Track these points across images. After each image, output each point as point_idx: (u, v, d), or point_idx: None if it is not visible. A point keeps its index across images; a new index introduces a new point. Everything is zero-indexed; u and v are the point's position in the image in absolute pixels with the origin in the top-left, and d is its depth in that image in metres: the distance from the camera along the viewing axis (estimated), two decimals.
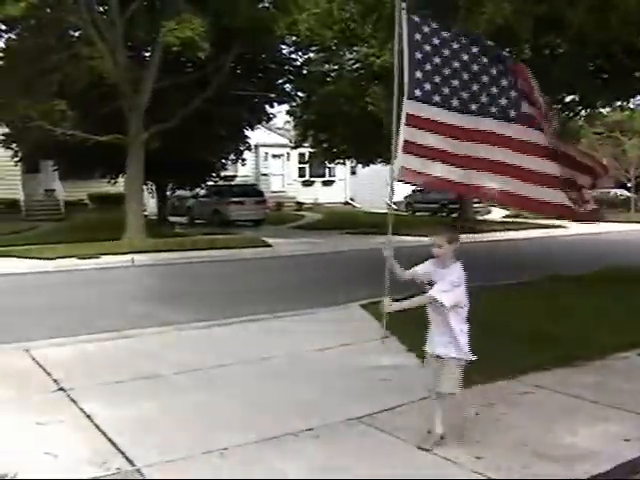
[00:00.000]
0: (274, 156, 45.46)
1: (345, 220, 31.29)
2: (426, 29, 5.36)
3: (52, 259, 17.90)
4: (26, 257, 18.29)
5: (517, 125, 5.37)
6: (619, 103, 20.64)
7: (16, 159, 28.93)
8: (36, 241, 21.53)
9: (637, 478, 4.88)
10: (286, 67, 28.25)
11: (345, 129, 27.88)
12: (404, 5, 5.34)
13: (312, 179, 46.95)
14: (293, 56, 28.49)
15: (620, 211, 36.50)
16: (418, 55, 5.32)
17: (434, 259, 5.15)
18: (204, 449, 5.14)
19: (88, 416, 5.91)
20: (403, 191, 37.10)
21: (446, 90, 5.35)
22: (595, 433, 5.48)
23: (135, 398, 6.41)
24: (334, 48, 26.99)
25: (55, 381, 6.97)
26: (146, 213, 27.31)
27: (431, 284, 5.10)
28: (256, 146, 40.43)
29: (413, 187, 33.60)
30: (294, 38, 26.27)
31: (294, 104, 30.60)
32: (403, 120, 5.24)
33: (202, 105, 23.14)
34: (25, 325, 10.16)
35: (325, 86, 27.46)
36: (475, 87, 5.39)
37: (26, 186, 33.75)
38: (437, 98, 5.31)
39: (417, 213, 39.52)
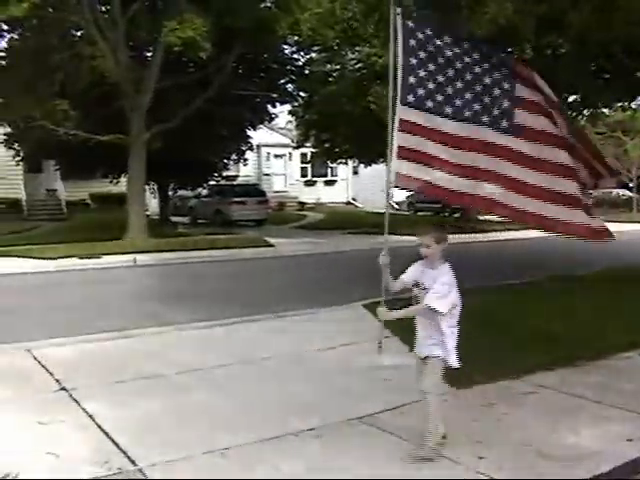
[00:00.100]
0: (276, 156, 45.45)
1: (347, 220, 31.28)
2: (421, 35, 5.32)
3: (54, 259, 17.90)
4: (28, 257, 18.28)
5: (510, 136, 5.31)
6: (621, 103, 20.60)
7: (18, 159, 28.93)
8: (38, 241, 21.52)
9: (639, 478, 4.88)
10: (288, 67, 28.23)
11: (347, 129, 27.88)
12: (399, 10, 5.30)
13: (314, 179, 46.93)
14: (295, 56, 28.49)
15: (622, 211, 36.50)
16: (412, 61, 5.28)
17: (422, 260, 5.07)
18: (205, 449, 5.14)
19: (90, 416, 5.92)
20: (405, 191, 37.03)
21: (439, 97, 5.31)
22: (598, 433, 5.48)
23: (137, 398, 6.41)
24: (336, 48, 26.98)
25: (57, 381, 6.97)
26: (148, 213, 27.29)
27: (418, 285, 5.00)
28: (258, 146, 40.39)
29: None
30: (296, 38, 26.26)
31: (296, 104, 30.60)
32: (396, 126, 5.20)
33: (204, 105, 23.14)
34: (27, 325, 10.18)
35: (327, 86, 27.46)
36: (468, 96, 5.34)
37: (28, 186, 33.74)
38: (430, 104, 5.28)
39: (419, 213, 39.49)
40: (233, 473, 4.77)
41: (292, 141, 39.32)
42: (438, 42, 5.36)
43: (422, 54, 5.30)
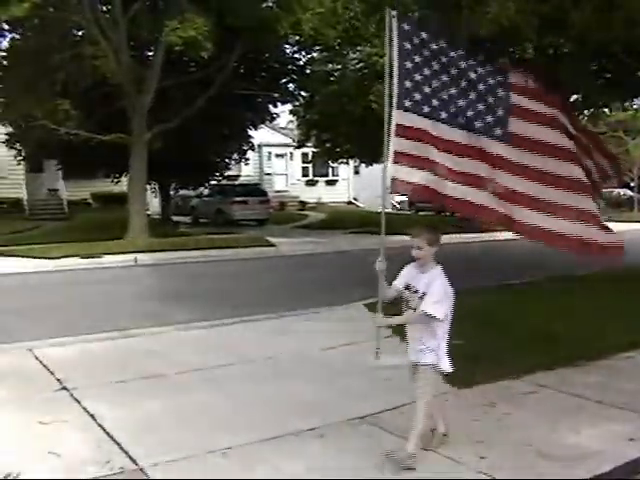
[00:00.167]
0: (277, 156, 45.45)
1: (348, 219, 31.27)
2: (416, 39, 5.26)
3: (55, 259, 17.92)
4: (29, 257, 18.30)
5: (503, 144, 5.25)
6: (623, 102, 20.62)
7: (19, 158, 28.97)
8: (39, 240, 21.55)
9: None
10: (289, 66, 28.23)
11: (348, 128, 27.84)
12: (394, 13, 5.24)
13: (315, 179, 46.93)
14: (296, 55, 28.44)
15: (623, 210, 36.51)
16: (408, 64, 5.22)
17: (413, 263, 4.97)
18: (207, 449, 5.14)
19: (91, 415, 5.92)
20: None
21: (436, 102, 5.25)
22: (599, 433, 5.48)
23: (138, 398, 6.41)
24: (337, 48, 26.95)
25: (58, 380, 6.98)
26: (149, 213, 27.33)
27: (409, 288, 4.91)
28: (259, 146, 40.40)
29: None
30: (297, 37, 26.21)
31: (297, 103, 30.60)
32: (393, 131, 5.14)
33: (205, 105, 23.15)
34: (27, 325, 10.18)
35: (328, 85, 27.43)
36: (462, 102, 5.29)
37: (29, 185, 33.76)
38: (427, 109, 5.22)
39: (420, 212, 39.48)
40: (234, 473, 4.77)
41: (293, 141, 39.29)
42: (434, 46, 5.30)
43: (418, 58, 5.24)
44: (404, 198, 40.99)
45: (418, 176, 5.14)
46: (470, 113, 5.28)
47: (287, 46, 27.27)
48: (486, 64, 5.44)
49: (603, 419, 5.78)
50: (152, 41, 22.28)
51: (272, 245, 21.97)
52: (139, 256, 18.84)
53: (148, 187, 26.36)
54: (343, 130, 28.56)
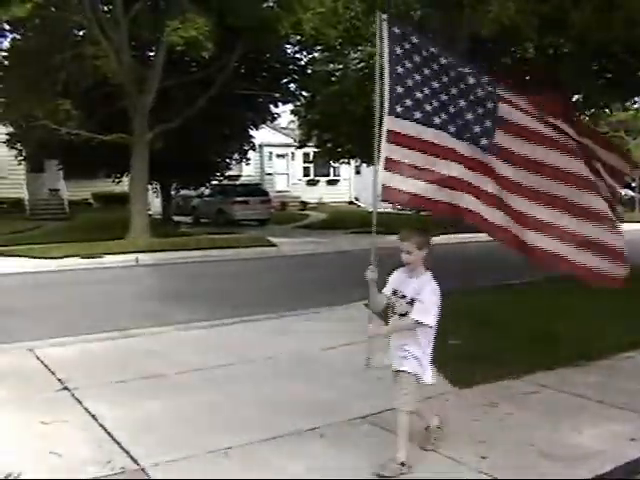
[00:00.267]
0: (278, 156, 45.46)
1: (349, 219, 31.22)
2: (407, 45, 5.16)
3: (56, 258, 17.93)
4: (30, 256, 18.30)
5: (488, 155, 5.12)
6: (624, 102, 20.61)
7: (20, 158, 28.99)
8: (40, 240, 21.56)
9: None
10: (290, 66, 28.23)
11: (349, 128, 27.83)
12: (385, 16, 5.15)
13: (317, 178, 46.92)
14: (297, 55, 28.45)
15: (625, 211, 36.47)
16: (399, 69, 5.12)
17: (402, 267, 4.86)
18: (207, 448, 5.14)
19: (92, 415, 5.92)
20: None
21: (428, 107, 5.14)
22: (600, 433, 5.48)
23: (139, 398, 6.42)
24: (338, 47, 26.94)
25: (59, 380, 6.98)
26: (150, 212, 27.34)
27: (396, 293, 4.81)
28: (260, 146, 40.42)
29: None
30: (298, 37, 26.20)
31: (298, 103, 30.59)
32: (384, 137, 5.02)
33: (206, 105, 23.16)
34: (29, 325, 10.19)
35: (329, 85, 27.42)
36: (452, 110, 5.19)
37: (30, 185, 33.79)
38: (418, 115, 5.11)
39: (422, 212, 39.38)
40: (235, 473, 4.77)
41: (294, 141, 39.31)
42: (425, 52, 5.20)
43: (409, 63, 5.14)
44: None
45: (409, 184, 5.03)
46: (459, 122, 5.18)
47: (288, 46, 27.26)
48: (477, 74, 5.31)
49: (604, 419, 5.77)
50: (153, 41, 22.31)
51: (273, 245, 21.97)
52: (140, 256, 18.84)
53: (149, 187, 26.38)
54: (344, 130, 28.53)
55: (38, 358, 7.87)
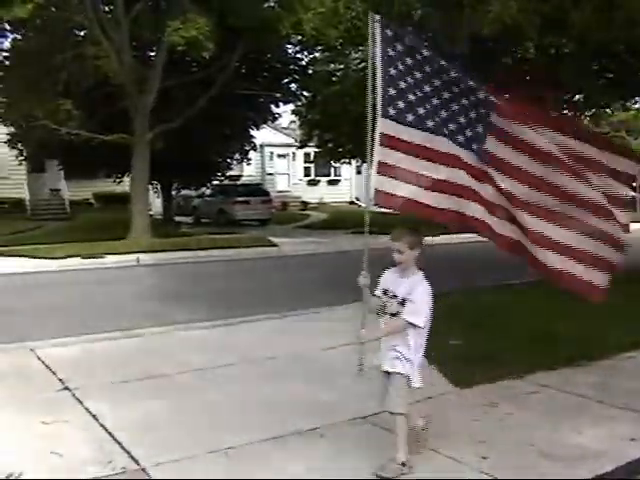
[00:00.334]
0: (279, 156, 45.46)
1: (350, 220, 31.16)
2: (400, 47, 5.06)
3: (57, 258, 17.95)
4: (31, 257, 18.33)
5: (478, 160, 5.09)
6: (624, 102, 20.59)
7: (21, 158, 28.99)
8: (41, 241, 21.59)
9: None
10: (291, 66, 28.24)
11: (350, 128, 27.80)
12: (378, 17, 5.04)
13: (317, 178, 46.92)
14: (298, 55, 28.44)
15: (627, 211, 36.39)
16: (392, 71, 5.01)
17: (394, 267, 4.82)
18: (209, 449, 5.14)
19: (93, 415, 5.93)
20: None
21: (421, 110, 5.05)
22: (601, 433, 5.47)
23: (140, 398, 6.42)
24: (339, 47, 26.93)
25: (60, 380, 6.99)
26: (151, 212, 27.36)
27: (386, 293, 4.78)
28: (261, 146, 40.42)
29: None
30: (299, 37, 26.20)
31: (299, 103, 30.58)
32: (377, 140, 4.94)
33: (207, 105, 23.18)
34: (30, 325, 10.20)
35: (330, 85, 27.41)
36: (444, 114, 5.12)
37: (31, 185, 33.81)
38: (411, 117, 5.01)
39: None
40: (237, 473, 4.77)
41: (295, 141, 39.29)
42: (417, 55, 5.12)
43: (401, 65, 5.04)
44: None
45: (402, 188, 4.95)
46: (452, 126, 5.12)
47: (289, 46, 27.28)
48: (469, 79, 5.24)
49: (605, 419, 5.77)
50: (154, 41, 22.33)
51: (274, 245, 21.97)
52: (141, 256, 18.86)
53: (150, 187, 26.39)
54: (345, 130, 28.48)
55: (39, 358, 7.87)
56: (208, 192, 34.42)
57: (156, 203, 33.52)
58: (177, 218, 32.95)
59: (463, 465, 4.86)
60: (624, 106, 22.00)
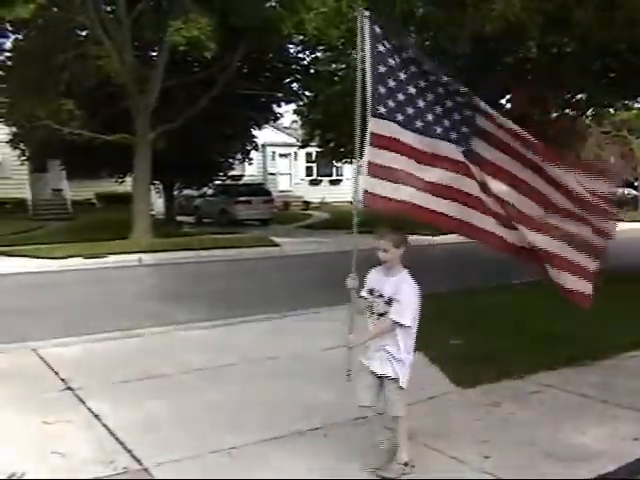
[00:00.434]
0: (281, 155, 45.44)
1: (351, 219, 31.18)
2: (388, 45, 4.99)
3: (59, 259, 17.95)
4: (33, 256, 18.33)
5: (467, 159, 5.05)
6: (626, 102, 20.56)
7: (23, 158, 28.99)
8: (43, 240, 21.59)
9: None
10: (293, 66, 28.21)
11: (352, 128, 27.75)
12: (367, 14, 4.98)
13: (319, 178, 46.89)
14: (300, 55, 28.40)
15: (628, 210, 36.43)
16: (382, 69, 4.95)
17: (379, 266, 4.79)
18: (211, 448, 5.14)
19: (96, 415, 5.93)
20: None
21: (410, 109, 5.00)
22: (603, 432, 5.47)
23: (142, 398, 6.42)
24: (341, 47, 26.92)
25: (63, 380, 6.99)
26: (153, 212, 27.35)
27: (372, 293, 4.75)
28: (263, 145, 40.42)
29: None
30: (301, 37, 26.17)
31: (301, 103, 30.56)
32: (367, 140, 4.88)
33: (209, 104, 23.17)
34: (32, 325, 10.19)
35: (332, 85, 27.40)
36: (430, 116, 5.06)
37: (33, 185, 33.80)
38: (400, 117, 4.96)
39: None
40: (239, 473, 4.77)
41: (297, 140, 39.24)
42: (404, 54, 5.06)
43: (391, 62, 4.99)
44: None
45: (392, 189, 4.89)
46: (437, 128, 5.07)
47: (291, 46, 27.24)
48: (455, 84, 5.17)
49: (608, 418, 5.77)
50: (156, 41, 22.32)
51: (276, 245, 21.97)
52: (143, 256, 18.86)
53: (152, 187, 26.38)
54: (347, 130, 28.41)
55: (41, 358, 7.88)
56: (210, 192, 34.39)
57: (158, 203, 33.52)
58: (179, 218, 32.93)
59: (465, 465, 4.85)
60: (626, 105, 21.94)
